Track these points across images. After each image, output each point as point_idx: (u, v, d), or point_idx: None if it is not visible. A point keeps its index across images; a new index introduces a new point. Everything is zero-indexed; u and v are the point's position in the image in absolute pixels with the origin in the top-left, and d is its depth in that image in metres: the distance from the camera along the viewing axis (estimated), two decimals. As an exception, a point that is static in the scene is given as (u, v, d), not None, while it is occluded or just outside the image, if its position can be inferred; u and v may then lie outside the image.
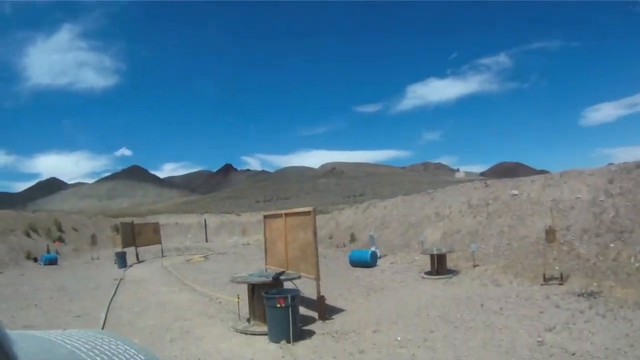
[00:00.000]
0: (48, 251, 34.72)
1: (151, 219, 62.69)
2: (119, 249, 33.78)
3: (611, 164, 23.78)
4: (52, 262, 32.27)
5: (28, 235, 37.96)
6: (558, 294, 14.71)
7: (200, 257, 35.30)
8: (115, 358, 0.93)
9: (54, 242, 39.21)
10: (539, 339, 10.48)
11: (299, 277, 14.58)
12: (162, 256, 36.81)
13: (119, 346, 0.98)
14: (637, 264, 15.55)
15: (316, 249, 14.25)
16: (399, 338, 11.39)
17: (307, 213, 14.89)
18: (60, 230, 44.35)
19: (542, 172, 28.95)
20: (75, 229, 47.88)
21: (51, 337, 0.92)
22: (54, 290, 21.28)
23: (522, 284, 16.86)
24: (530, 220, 22.17)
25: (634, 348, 9.53)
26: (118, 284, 22.48)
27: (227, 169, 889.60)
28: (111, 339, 1.00)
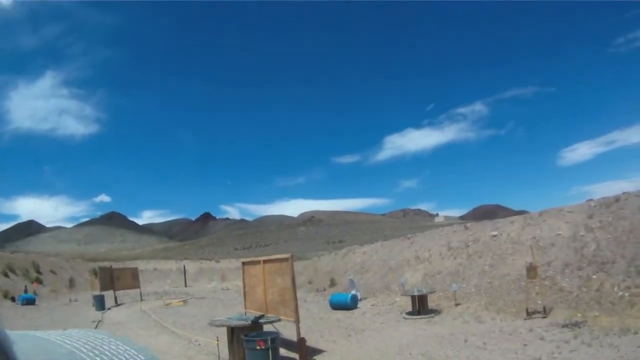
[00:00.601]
0: (26, 291, 34.15)
1: (130, 264, 61.75)
2: (97, 292, 33.25)
3: (590, 199, 23.94)
4: (29, 302, 31.66)
5: (6, 275, 37.32)
6: (542, 327, 14.61)
7: (179, 301, 34.74)
8: (115, 358, 0.92)
9: (32, 283, 38.58)
10: (525, 371, 10.32)
11: (279, 320, 14.47)
12: (141, 300, 36.14)
13: (119, 346, 0.97)
14: (620, 293, 15.52)
15: (294, 293, 14.09)
16: (381, 376, 11.18)
17: (285, 259, 14.78)
18: (38, 271, 43.56)
19: (521, 212, 29.11)
20: (53, 272, 47.04)
21: (51, 338, 0.92)
22: (30, 330, 20.77)
23: (505, 320, 16.76)
24: (511, 259, 22.14)
25: (622, 374, 9.40)
26: (96, 327, 21.95)
27: (206, 217, 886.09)
28: (111, 339, 0.99)
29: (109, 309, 31.22)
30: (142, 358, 0.96)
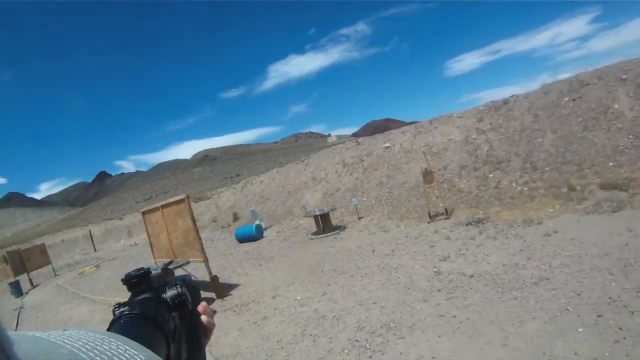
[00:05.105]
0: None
1: (37, 242, 59.92)
2: (12, 280, 32.00)
3: (479, 105, 24.44)
4: (-54, 301, 30.15)
5: None
6: (447, 228, 14.96)
7: (92, 267, 33.93)
8: (115, 359, 0.78)
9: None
10: (436, 270, 10.52)
11: (188, 263, 14.54)
12: (55, 276, 35.10)
13: (120, 347, 0.82)
14: (519, 188, 16.14)
15: (198, 232, 14.01)
16: (298, 298, 11.23)
17: (182, 201, 14.67)
18: (-54, 271, 41.56)
19: (413, 123, 29.55)
20: (-41, 267, 45.13)
21: (51, 338, 0.78)
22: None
23: (410, 226, 17.02)
24: (407, 167, 22.49)
25: (532, 260, 9.70)
26: (19, 313, 21.35)
27: (102, 176, 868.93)
28: (112, 340, 0.85)
29: (27, 293, 30.12)
30: (142, 358, 0.82)
